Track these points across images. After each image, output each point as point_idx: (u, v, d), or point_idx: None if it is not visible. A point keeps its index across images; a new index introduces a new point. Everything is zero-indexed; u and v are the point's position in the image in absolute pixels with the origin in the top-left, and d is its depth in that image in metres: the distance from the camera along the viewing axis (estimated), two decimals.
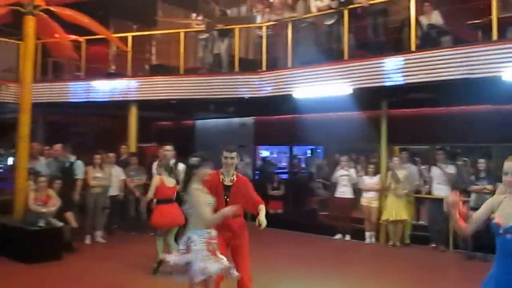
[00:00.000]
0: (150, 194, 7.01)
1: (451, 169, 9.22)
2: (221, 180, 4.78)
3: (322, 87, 9.16)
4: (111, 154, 9.90)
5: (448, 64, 7.85)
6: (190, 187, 4.34)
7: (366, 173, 9.94)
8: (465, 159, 10.61)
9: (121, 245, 9.04)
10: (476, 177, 8.45)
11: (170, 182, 6.98)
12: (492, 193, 8.00)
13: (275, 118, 13.03)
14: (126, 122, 11.25)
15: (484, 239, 8.20)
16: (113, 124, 14.06)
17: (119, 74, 11.82)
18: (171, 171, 7.20)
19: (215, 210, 4.38)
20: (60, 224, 7.99)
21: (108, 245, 9.11)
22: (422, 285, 6.90)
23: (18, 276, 6.83)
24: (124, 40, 10.99)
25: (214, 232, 4.30)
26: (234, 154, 4.86)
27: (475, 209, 8.07)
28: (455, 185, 9.21)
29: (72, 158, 9.23)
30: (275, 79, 9.94)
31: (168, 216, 6.83)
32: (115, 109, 12.25)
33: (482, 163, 8.48)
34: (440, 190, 9.15)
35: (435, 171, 9.31)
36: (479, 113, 10.08)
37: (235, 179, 4.87)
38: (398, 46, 8.82)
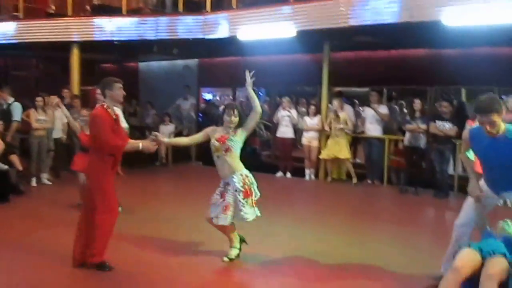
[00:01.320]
0: None
1: (383, 109, 9.73)
2: (111, 114, 4.65)
3: (267, 29, 9.27)
4: (54, 97, 9.72)
5: (389, 8, 8.08)
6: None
7: (307, 114, 10.32)
8: (402, 101, 11.24)
9: (67, 186, 9.05)
10: (411, 117, 8.93)
11: None
12: (425, 132, 8.63)
13: (219, 60, 13.06)
14: (68, 65, 11.00)
15: (415, 176, 8.96)
16: (56, 67, 13.65)
17: (59, 14, 11.40)
18: None
19: (118, 143, 4.54)
20: (5, 167, 7.93)
21: (55, 187, 9.14)
22: (360, 216, 7.42)
23: None
24: None
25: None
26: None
27: (409, 147, 8.78)
28: (387, 125, 9.80)
29: (10, 100, 9.02)
30: (220, 20, 9.93)
31: None
32: (57, 51, 11.89)
33: (417, 104, 8.91)
34: (373, 129, 9.70)
35: (368, 112, 9.79)
36: (417, 57, 10.58)
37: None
38: None
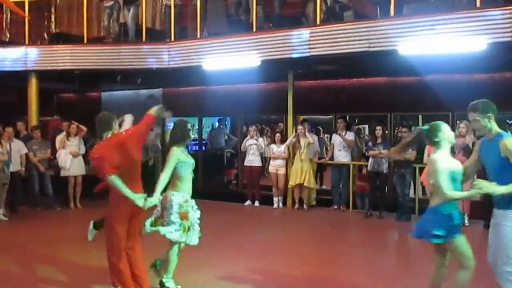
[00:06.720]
0: None
1: (350, 136, 9.89)
2: None
3: (231, 59, 9.30)
4: (9, 129, 9.35)
5: (349, 37, 8.31)
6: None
7: (274, 142, 10.35)
8: (364, 126, 11.48)
9: (25, 222, 8.69)
10: (373, 143, 9.11)
11: None
12: (387, 157, 8.81)
13: (184, 90, 13.02)
14: (26, 94, 10.67)
15: (379, 199, 9.09)
16: (12, 96, 13.22)
17: (15, 42, 11.10)
18: None
19: None
20: None
21: (11, 223, 8.61)
22: (328, 241, 7.51)
23: None
24: (20, 6, 10.31)
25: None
26: None
27: (372, 172, 8.93)
28: (354, 151, 9.95)
29: None
30: (184, 50, 9.92)
31: None
32: (14, 80, 11.54)
33: (379, 130, 9.11)
34: (340, 156, 9.81)
35: (336, 139, 9.92)
36: (376, 84, 10.88)
37: None
38: (303, 19, 9.19)
